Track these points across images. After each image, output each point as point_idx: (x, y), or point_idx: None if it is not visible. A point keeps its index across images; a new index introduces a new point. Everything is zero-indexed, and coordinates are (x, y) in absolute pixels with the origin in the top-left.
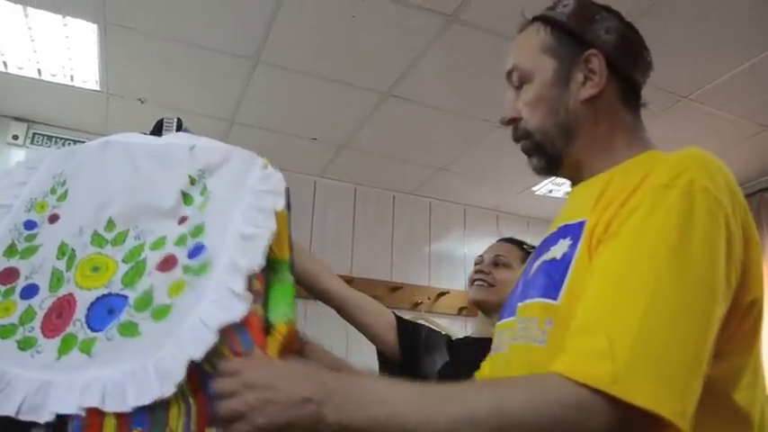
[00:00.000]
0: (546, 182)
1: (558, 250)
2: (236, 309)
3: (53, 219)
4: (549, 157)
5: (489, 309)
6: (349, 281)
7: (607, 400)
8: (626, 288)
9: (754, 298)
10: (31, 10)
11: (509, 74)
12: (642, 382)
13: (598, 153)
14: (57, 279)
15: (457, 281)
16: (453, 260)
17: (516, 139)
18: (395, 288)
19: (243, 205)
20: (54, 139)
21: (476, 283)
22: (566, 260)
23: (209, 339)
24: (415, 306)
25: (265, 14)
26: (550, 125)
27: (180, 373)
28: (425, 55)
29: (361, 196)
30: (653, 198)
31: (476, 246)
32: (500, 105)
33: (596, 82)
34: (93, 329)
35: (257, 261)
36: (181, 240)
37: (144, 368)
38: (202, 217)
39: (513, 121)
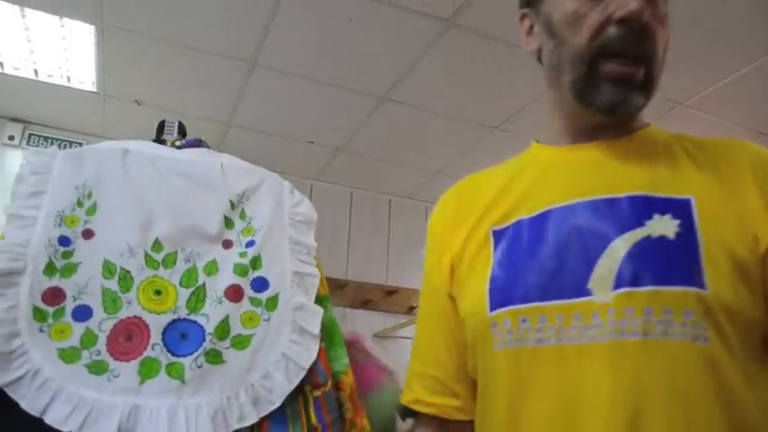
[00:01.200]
0: None
1: (666, 229)
2: (315, 348)
3: (88, 234)
4: (647, 95)
5: None
6: (344, 284)
7: None
8: None
9: None
10: (28, 11)
11: None
12: None
13: None
14: (111, 300)
15: None
16: None
17: (636, 55)
18: (390, 292)
19: (287, 238)
20: (50, 140)
21: None
22: (688, 243)
23: (301, 374)
24: (411, 310)
25: (263, 18)
26: (660, 63)
27: (277, 401)
28: (423, 59)
29: (357, 199)
30: None
31: None
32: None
33: None
34: (174, 354)
35: (313, 300)
36: (242, 271)
37: (237, 395)
38: (255, 248)
39: (645, 28)
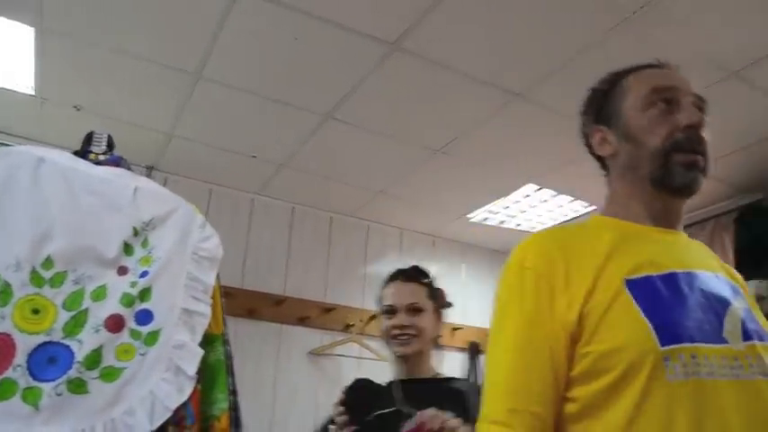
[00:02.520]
0: (481, 210)
1: (744, 304)
2: (188, 389)
3: None
4: (700, 185)
5: (417, 356)
6: (282, 300)
7: None
8: None
9: None
10: None
11: (697, 97)
12: None
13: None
14: None
15: None
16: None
17: (700, 150)
18: (328, 309)
19: (185, 273)
20: None
21: (400, 338)
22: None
23: (165, 416)
24: (347, 328)
25: (209, 30)
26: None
27: None
28: (367, 80)
29: (298, 216)
30: None
31: None
32: (439, 133)
33: None
34: (35, 378)
35: (198, 340)
36: (128, 301)
37: (93, 428)
38: (148, 279)
39: (699, 126)
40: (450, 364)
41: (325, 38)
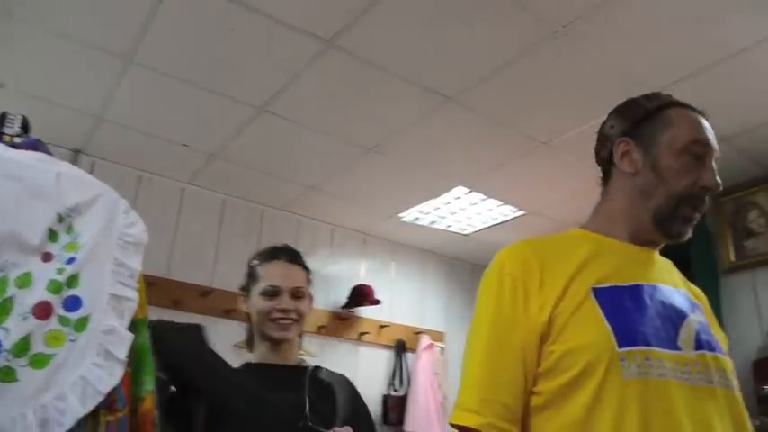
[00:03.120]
0: (412, 209)
1: (701, 317)
2: (119, 373)
3: None
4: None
5: (289, 341)
6: (209, 292)
7: None
8: None
9: None
10: None
11: (715, 154)
12: None
13: None
14: None
15: (319, 299)
16: (318, 279)
17: (702, 210)
18: None
19: (112, 259)
20: None
21: (281, 321)
22: (709, 329)
23: (98, 399)
24: None
25: (143, 14)
26: None
27: (66, 423)
28: (302, 75)
29: (229, 208)
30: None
31: (341, 266)
32: (372, 132)
33: None
34: None
35: (127, 324)
36: (55, 288)
37: (23, 415)
38: (75, 265)
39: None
40: (377, 361)
41: (261, 31)
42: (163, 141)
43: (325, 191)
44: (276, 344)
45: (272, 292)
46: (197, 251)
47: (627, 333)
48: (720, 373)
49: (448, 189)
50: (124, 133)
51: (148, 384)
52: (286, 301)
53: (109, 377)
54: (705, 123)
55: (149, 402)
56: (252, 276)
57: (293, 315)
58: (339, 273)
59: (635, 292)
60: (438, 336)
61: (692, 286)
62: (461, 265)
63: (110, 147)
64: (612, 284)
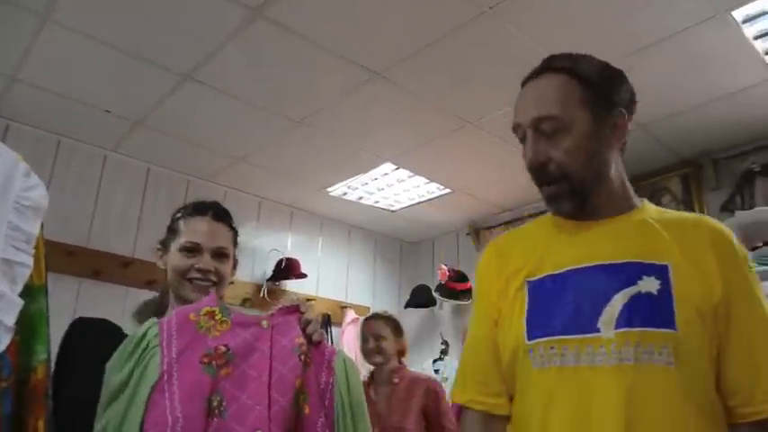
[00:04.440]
0: (341, 184)
1: (651, 287)
2: (5, 340)
3: None
4: (581, 200)
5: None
6: (130, 262)
7: None
8: None
9: None
10: None
11: (538, 121)
12: None
13: (614, 198)
14: None
15: (244, 271)
16: (244, 251)
17: (548, 182)
18: None
19: (6, 223)
20: None
21: (198, 281)
22: (666, 297)
23: None
24: None
25: None
26: (587, 171)
27: None
28: (229, 43)
29: (153, 177)
30: (749, 273)
31: (268, 239)
32: (300, 105)
33: (620, 136)
34: None
35: (19, 290)
36: None
37: None
38: None
39: (544, 165)
40: None
41: None
42: (84, 106)
43: (253, 163)
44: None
45: (192, 248)
46: (119, 221)
47: (537, 325)
48: (646, 348)
49: (376, 165)
50: (41, 95)
51: (41, 354)
52: (206, 261)
53: None
54: (522, 98)
55: (42, 373)
56: (172, 230)
57: (212, 277)
58: (265, 246)
59: (561, 280)
60: (363, 310)
61: (663, 247)
62: (388, 240)
63: (26, 109)
64: (544, 275)
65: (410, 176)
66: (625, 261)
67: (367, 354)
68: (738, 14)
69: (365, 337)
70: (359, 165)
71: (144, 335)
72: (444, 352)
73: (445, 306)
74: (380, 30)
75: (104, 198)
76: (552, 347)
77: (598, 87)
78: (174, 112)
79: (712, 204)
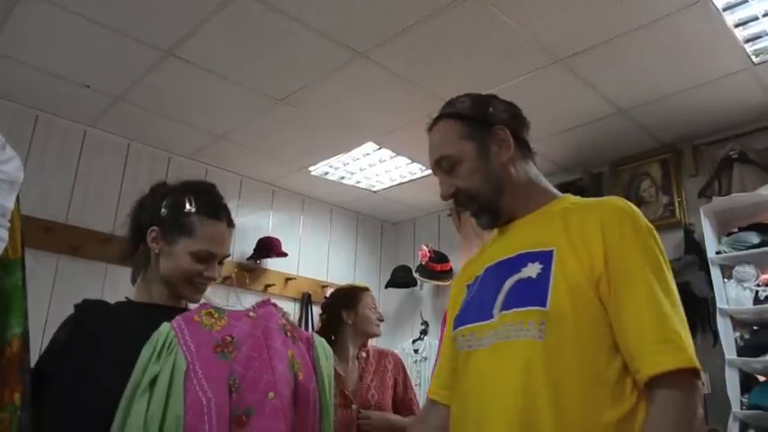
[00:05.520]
0: (322, 163)
1: (532, 271)
2: None
3: None
4: (492, 212)
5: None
6: (109, 239)
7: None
8: (665, 309)
9: None
10: None
11: (438, 162)
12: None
13: (523, 199)
14: None
15: None
16: None
17: (462, 205)
18: None
19: None
20: None
21: (200, 285)
22: (544, 279)
23: None
24: None
25: None
26: (486, 187)
27: None
28: (211, 20)
29: (134, 153)
30: (636, 242)
31: (249, 217)
32: (281, 83)
33: (508, 147)
34: None
35: None
36: None
37: None
38: None
39: (454, 195)
40: None
41: None
42: (62, 80)
43: (235, 140)
44: (179, 297)
45: (207, 257)
46: (98, 197)
47: (459, 318)
48: (517, 326)
49: (358, 144)
50: (18, 69)
51: (16, 327)
52: (214, 269)
53: None
54: (429, 145)
55: (16, 346)
56: (183, 226)
57: (210, 282)
58: (247, 224)
59: (480, 279)
60: None
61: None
62: (369, 220)
63: (3, 83)
64: (473, 278)
65: (392, 157)
66: (518, 253)
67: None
68: (719, 2)
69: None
70: (341, 144)
71: (165, 337)
72: (424, 332)
73: (425, 286)
74: (364, 9)
75: (83, 174)
76: (464, 335)
77: (471, 118)
78: (155, 88)
79: (690, 190)
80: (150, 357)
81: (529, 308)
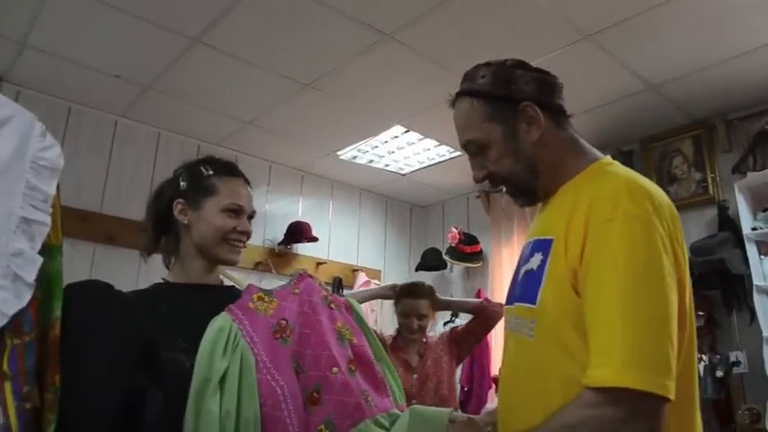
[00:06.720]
0: (351, 147)
1: (534, 263)
2: (26, 296)
3: None
4: (528, 192)
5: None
6: (143, 227)
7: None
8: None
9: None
10: None
11: (466, 145)
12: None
13: (556, 174)
14: None
15: (256, 235)
16: (256, 215)
17: (497, 186)
18: None
19: (24, 182)
20: None
21: (236, 243)
22: (539, 273)
23: (2, 322)
24: None
25: None
26: (519, 170)
27: None
28: (237, 5)
29: (164, 142)
30: (602, 233)
31: (279, 203)
32: (309, 67)
33: (538, 125)
34: None
35: (38, 248)
36: None
37: None
38: None
39: (487, 177)
40: None
41: None
42: (93, 71)
43: (263, 126)
44: (215, 265)
45: (237, 210)
46: (131, 186)
47: (506, 298)
48: (516, 320)
49: (386, 128)
50: (51, 61)
51: (57, 311)
52: (245, 223)
53: (16, 300)
54: (455, 122)
55: (57, 329)
56: (205, 188)
57: (246, 239)
58: (277, 210)
59: (521, 258)
60: (374, 273)
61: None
62: (398, 204)
63: (36, 75)
64: (522, 253)
65: (420, 139)
66: (534, 239)
67: (409, 330)
68: None
69: (407, 314)
70: (368, 128)
71: (229, 330)
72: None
73: (456, 269)
74: None
75: (116, 163)
76: (508, 313)
77: (494, 97)
78: (184, 76)
79: (724, 166)
80: (213, 352)
81: (525, 304)
